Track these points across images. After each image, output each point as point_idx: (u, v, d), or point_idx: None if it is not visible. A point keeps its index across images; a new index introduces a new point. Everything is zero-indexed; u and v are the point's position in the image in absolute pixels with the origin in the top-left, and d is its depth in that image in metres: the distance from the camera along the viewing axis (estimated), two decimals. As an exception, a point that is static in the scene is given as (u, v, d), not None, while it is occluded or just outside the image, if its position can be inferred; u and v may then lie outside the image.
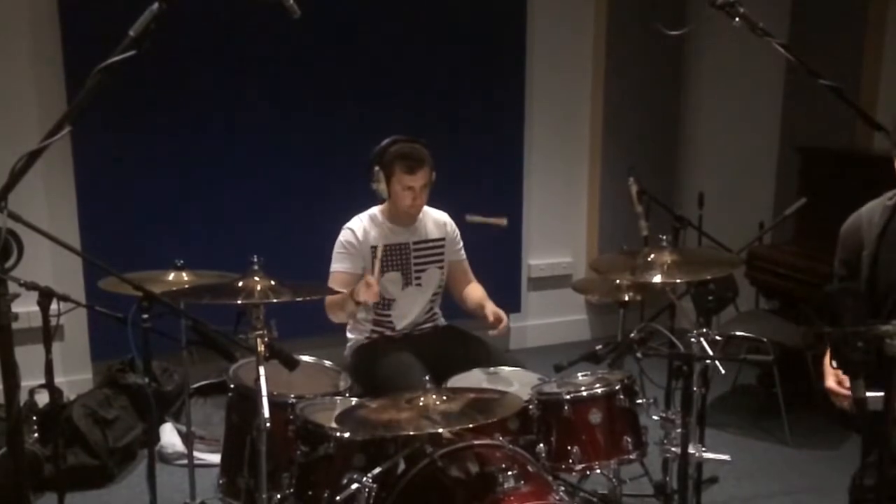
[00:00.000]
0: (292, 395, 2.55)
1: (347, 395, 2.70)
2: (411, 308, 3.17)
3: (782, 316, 4.21)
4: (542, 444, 2.53)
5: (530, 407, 2.55)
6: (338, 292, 2.92)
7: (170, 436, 3.68)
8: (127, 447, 3.56)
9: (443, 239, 3.22)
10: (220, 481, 2.73)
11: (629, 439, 2.60)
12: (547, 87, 4.90)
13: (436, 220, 3.24)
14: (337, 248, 3.10)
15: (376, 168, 3.04)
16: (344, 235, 3.10)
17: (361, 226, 3.11)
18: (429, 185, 3.07)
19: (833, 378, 2.29)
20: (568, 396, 2.57)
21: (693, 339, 2.55)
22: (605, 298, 3.53)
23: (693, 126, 5.31)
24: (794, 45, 2.07)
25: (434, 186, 3.11)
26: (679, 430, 2.56)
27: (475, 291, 3.24)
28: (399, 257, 3.13)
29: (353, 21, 4.35)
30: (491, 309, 3.04)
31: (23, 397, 3.36)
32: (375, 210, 3.17)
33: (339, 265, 3.08)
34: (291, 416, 2.48)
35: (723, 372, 2.65)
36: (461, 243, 3.29)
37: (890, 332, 1.56)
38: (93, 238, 3.97)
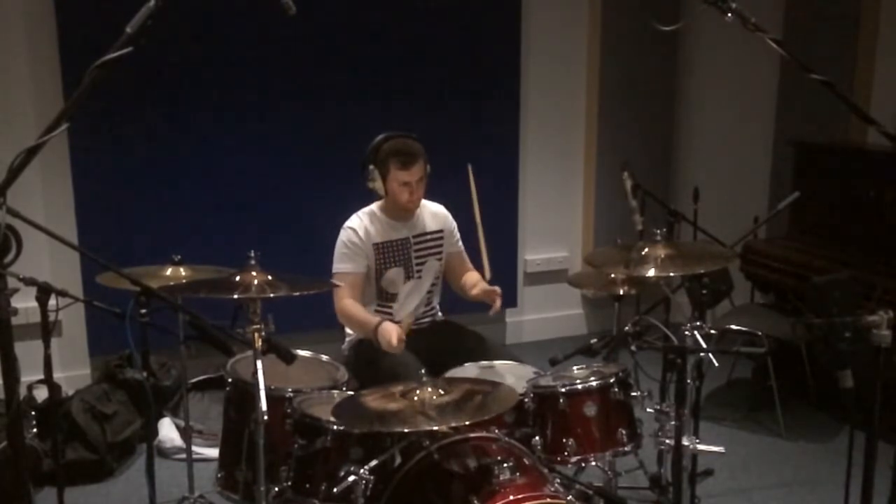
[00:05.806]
0: (290, 389, 2.57)
1: (345, 388, 2.72)
2: (411, 300, 3.19)
3: (777, 310, 4.22)
4: (537, 437, 2.56)
5: (526, 400, 2.58)
6: (336, 285, 2.94)
7: (168, 430, 3.69)
8: (125, 442, 3.57)
9: (441, 231, 3.24)
10: (219, 475, 2.74)
11: (624, 432, 2.62)
12: (542, 82, 4.90)
13: (433, 212, 3.25)
14: (339, 249, 3.09)
15: (371, 167, 3.04)
16: (346, 235, 3.09)
17: (362, 224, 3.10)
18: (424, 178, 3.08)
19: None
20: (563, 389, 2.59)
21: (687, 333, 2.57)
22: (601, 292, 3.55)
23: (688, 121, 5.32)
24: (788, 40, 2.08)
25: (429, 181, 3.12)
26: (673, 423, 2.58)
27: (472, 277, 3.24)
28: (401, 252, 3.14)
29: (349, 15, 4.35)
30: (482, 289, 3.04)
31: (21, 392, 3.37)
32: (374, 207, 3.17)
33: (343, 265, 3.07)
34: (289, 410, 2.49)
35: (716, 365, 2.68)
36: (458, 234, 3.31)
37: (876, 322, 1.58)
38: (90, 233, 3.97)
